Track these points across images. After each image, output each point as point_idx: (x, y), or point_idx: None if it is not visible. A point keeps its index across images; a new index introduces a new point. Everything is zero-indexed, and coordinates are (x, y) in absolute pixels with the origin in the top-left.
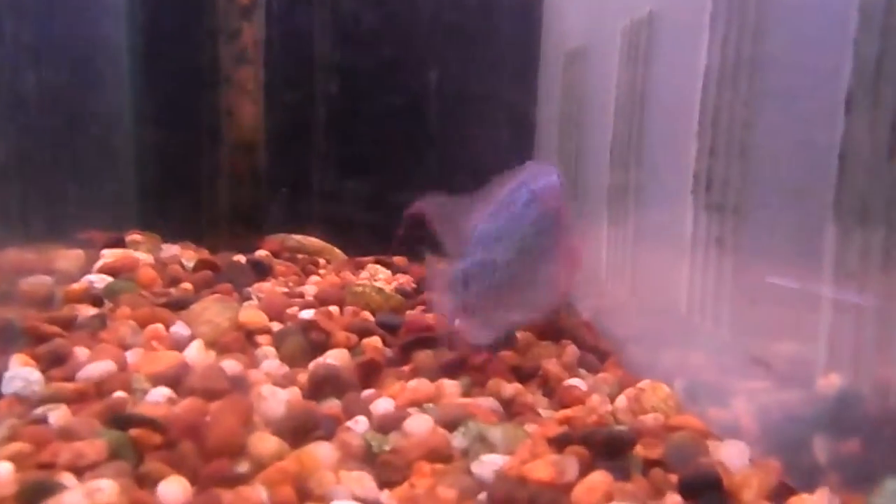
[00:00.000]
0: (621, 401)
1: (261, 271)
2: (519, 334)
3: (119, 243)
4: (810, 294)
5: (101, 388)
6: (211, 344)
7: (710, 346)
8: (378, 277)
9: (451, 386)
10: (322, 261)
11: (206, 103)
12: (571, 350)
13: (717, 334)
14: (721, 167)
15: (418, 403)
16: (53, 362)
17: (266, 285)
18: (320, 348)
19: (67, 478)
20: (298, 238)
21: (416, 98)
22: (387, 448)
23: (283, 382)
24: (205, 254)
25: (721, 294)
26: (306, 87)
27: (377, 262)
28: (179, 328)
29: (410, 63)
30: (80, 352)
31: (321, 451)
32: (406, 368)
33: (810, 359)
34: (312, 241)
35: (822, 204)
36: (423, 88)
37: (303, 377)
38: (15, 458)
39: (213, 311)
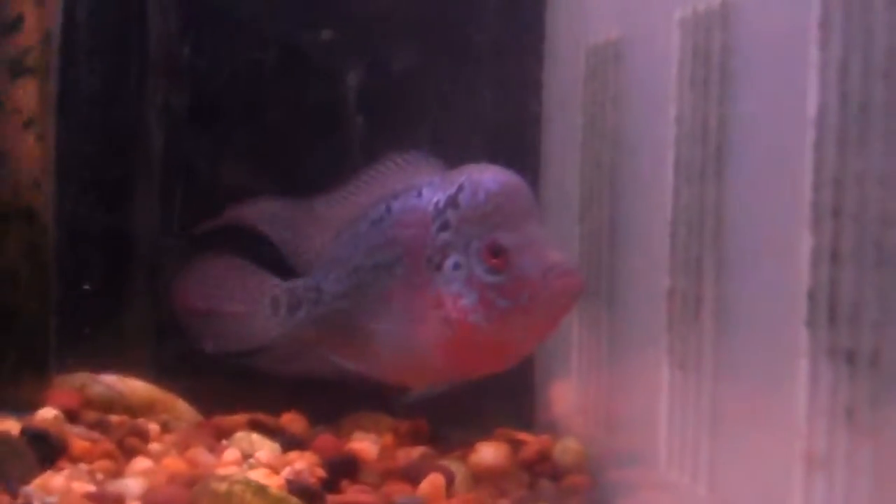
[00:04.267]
0: None
1: (46, 451)
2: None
3: None
4: None
5: None
6: None
7: None
8: (256, 458)
9: None
10: (154, 426)
11: None
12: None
13: None
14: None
15: None
16: None
17: (57, 479)
18: None
19: None
20: (111, 382)
21: (324, 117)
22: None
23: None
24: None
25: None
26: (134, 105)
27: (253, 425)
28: None
29: (315, 62)
30: None
31: None
32: None
33: None
34: (136, 388)
35: None
36: (335, 101)
37: None
38: None
39: None
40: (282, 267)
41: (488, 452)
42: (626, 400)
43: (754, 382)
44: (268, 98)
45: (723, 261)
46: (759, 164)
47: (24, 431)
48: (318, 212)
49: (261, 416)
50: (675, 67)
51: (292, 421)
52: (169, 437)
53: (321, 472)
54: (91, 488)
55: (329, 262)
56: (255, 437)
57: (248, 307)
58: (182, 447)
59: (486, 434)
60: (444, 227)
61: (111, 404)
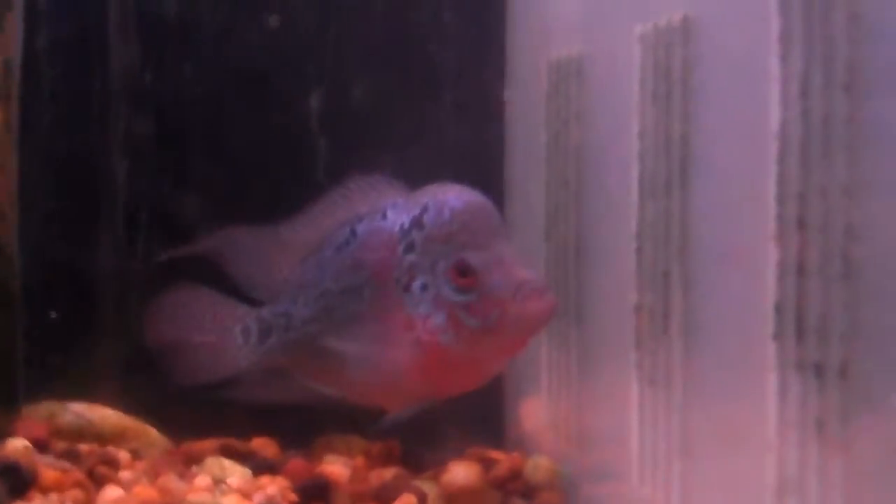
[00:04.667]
0: None
1: (17, 482)
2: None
3: None
4: None
5: None
6: None
7: None
8: (227, 484)
9: None
10: (125, 453)
11: None
12: None
13: None
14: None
15: None
16: None
17: None
18: None
19: None
20: (80, 410)
21: (287, 141)
22: None
23: None
24: None
25: None
26: (96, 133)
27: (224, 450)
28: None
29: (277, 86)
30: None
31: None
32: None
33: None
34: (106, 416)
35: None
36: (298, 125)
37: None
38: None
39: None
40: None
41: (460, 472)
42: (596, 416)
43: (724, 397)
44: (231, 123)
45: (689, 275)
46: (723, 177)
47: None
48: (283, 237)
49: (231, 441)
50: (637, 83)
51: (263, 445)
52: (139, 465)
53: (293, 497)
54: None
55: (297, 288)
56: (226, 462)
57: (218, 337)
58: (153, 474)
59: (457, 453)
60: (411, 248)
61: (81, 433)
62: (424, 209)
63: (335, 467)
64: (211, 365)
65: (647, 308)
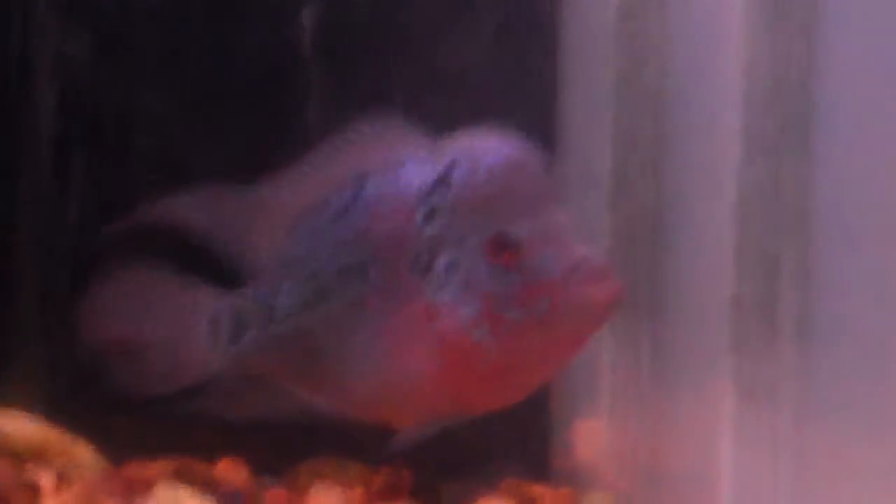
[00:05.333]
0: None
1: None
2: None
3: None
4: None
5: None
6: None
7: None
8: None
9: None
10: (47, 476)
11: None
12: None
13: None
14: None
15: None
16: None
17: None
18: None
19: None
20: None
21: (270, 70)
22: None
23: None
24: None
25: None
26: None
27: (180, 474)
28: None
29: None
30: None
31: None
32: None
33: None
34: (24, 428)
35: None
36: (285, 48)
37: None
38: None
39: None
40: (222, 275)
41: None
42: (675, 443)
43: (853, 418)
44: (195, 44)
45: (807, 258)
46: (859, 129)
47: None
48: (264, 200)
49: (189, 463)
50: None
51: (230, 469)
52: (67, 493)
53: None
54: None
55: (282, 268)
56: (183, 490)
57: (178, 332)
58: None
59: (488, 487)
60: (433, 215)
61: None
62: (452, 165)
63: (326, 500)
64: (168, 370)
65: (748, 300)
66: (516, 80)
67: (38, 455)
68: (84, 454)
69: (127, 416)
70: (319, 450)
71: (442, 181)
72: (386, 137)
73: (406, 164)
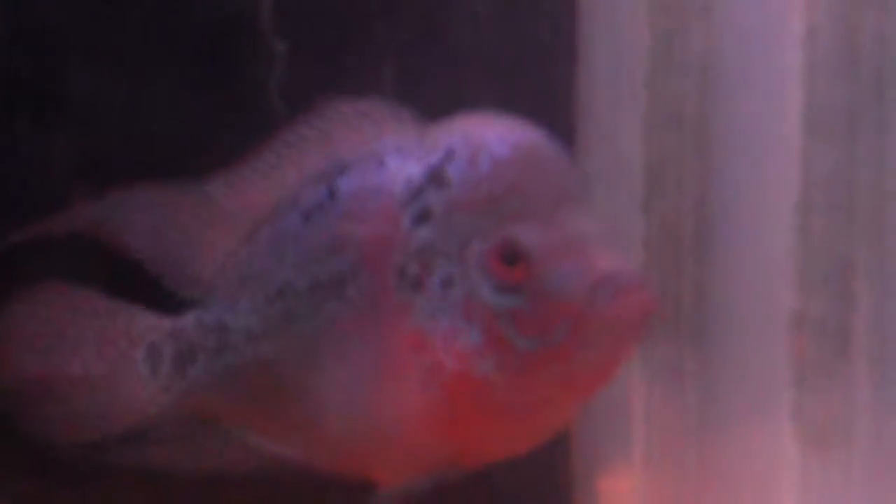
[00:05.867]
0: None
1: None
2: None
3: None
4: None
5: None
6: None
7: None
8: None
9: None
10: None
11: None
12: None
13: None
14: None
15: None
16: None
17: None
18: None
19: None
20: None
21: (223, 43)
22: None
23: None
24: None
25: None
26: None
27: None
28: None
29: None
30: None
31: None
32: None
33: None
34: None
35: None
36: (241, 17)
37: None
38: None
39: None
40: (162, 294)
41: None
42: (726, 495)
43: None
44: (131, 9)
45: (886, 269)
46: None
47: None
48: (214, 200)
49: None
50: None
51: None
52: None
53: None
54: None
55: (238, 283)
56: None
57: (109, 366)
58: None
59: None
60: (425, 217)
61: None
62: (448, 156)
63: None
64: (98, 411)
65: (813, 319)
66: (528, 50)
67: None
68: None
69: (42, 477)
70: None
71: (435, 176)
72: (368, 120)
73: (391, 155)
